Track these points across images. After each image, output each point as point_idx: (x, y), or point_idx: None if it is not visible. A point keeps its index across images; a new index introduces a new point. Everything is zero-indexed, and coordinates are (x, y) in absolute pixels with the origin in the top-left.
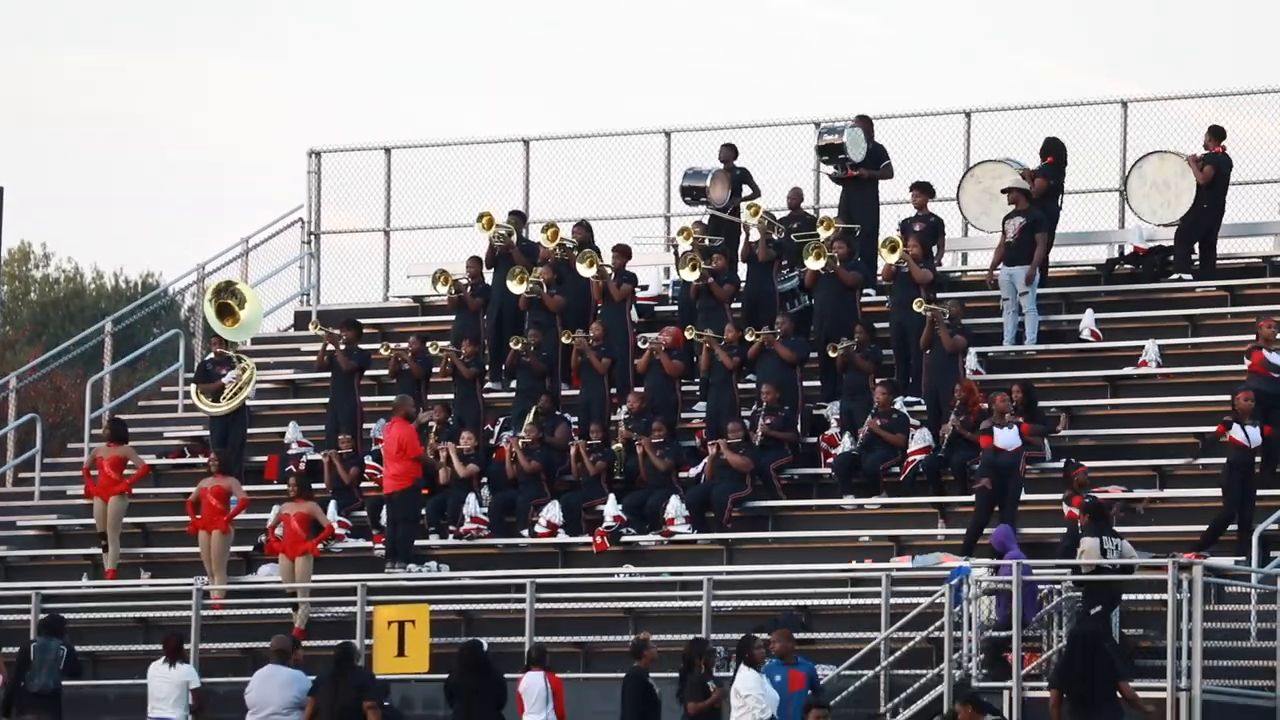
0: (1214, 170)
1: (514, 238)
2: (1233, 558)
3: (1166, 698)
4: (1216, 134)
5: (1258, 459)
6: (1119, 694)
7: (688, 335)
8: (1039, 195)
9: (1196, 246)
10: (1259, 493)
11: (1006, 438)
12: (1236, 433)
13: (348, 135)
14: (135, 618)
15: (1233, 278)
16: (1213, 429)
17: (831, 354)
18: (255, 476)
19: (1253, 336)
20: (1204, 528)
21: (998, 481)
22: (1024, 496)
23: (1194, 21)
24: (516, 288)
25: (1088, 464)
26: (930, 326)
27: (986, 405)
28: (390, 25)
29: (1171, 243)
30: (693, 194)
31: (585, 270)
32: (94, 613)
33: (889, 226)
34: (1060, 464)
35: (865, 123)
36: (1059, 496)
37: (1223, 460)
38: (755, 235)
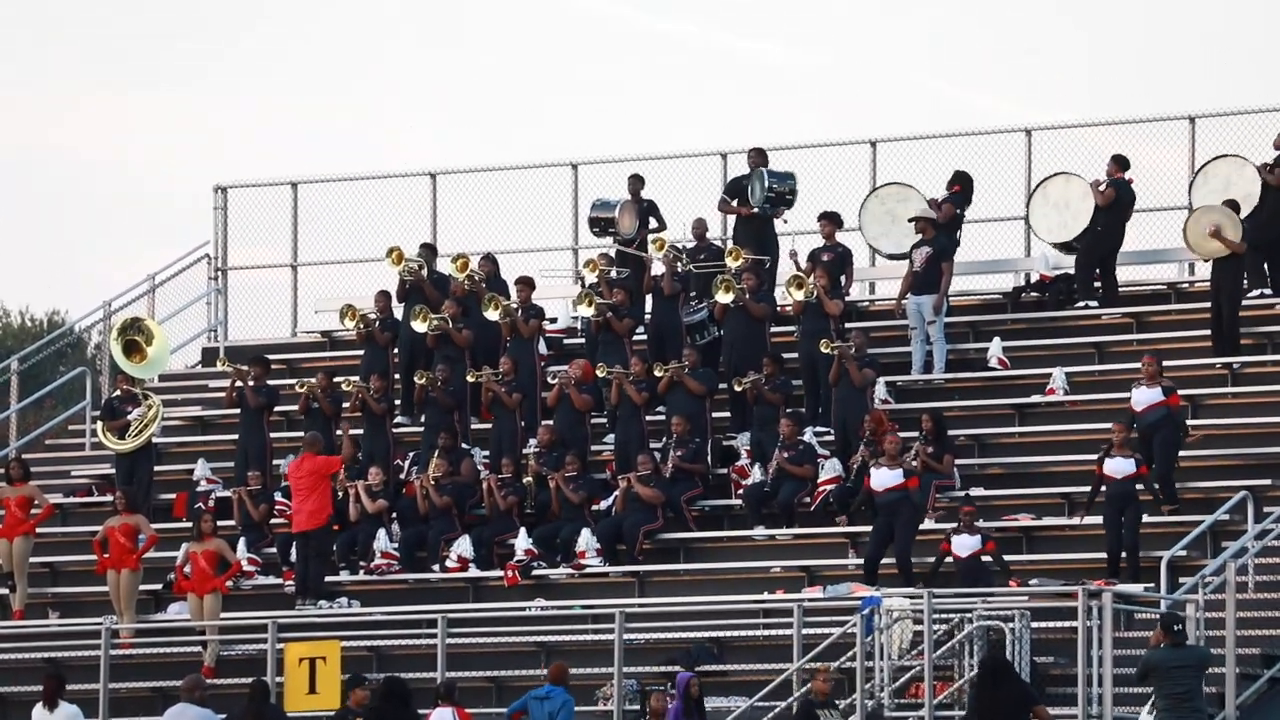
0: (1114, 194)
1: (425, 271)
2: (1141, 585)
3: None
4: (1120, 163)
5: (1139, 486)
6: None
7: (599, 373)
8: (946, 221)
9: (1099, 272)
10: (1165, 520)
11: (881, 478)
12: (1108, 466)
13: (253, 170)
14: (44, 658)
15: (1138, 304)
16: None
17: (738, 388)
18: (164, 514)
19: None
20: None
21: (883, 520)
22: (934, 525)
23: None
24: (420, 326)
25: (996, 491)
26: (838, 363)
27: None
28: (294, 61)
29: (1075, 270)
30: (600, 225)
31: (491, 314)
32: (2, 654)
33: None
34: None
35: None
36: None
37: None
38: (661, 269)
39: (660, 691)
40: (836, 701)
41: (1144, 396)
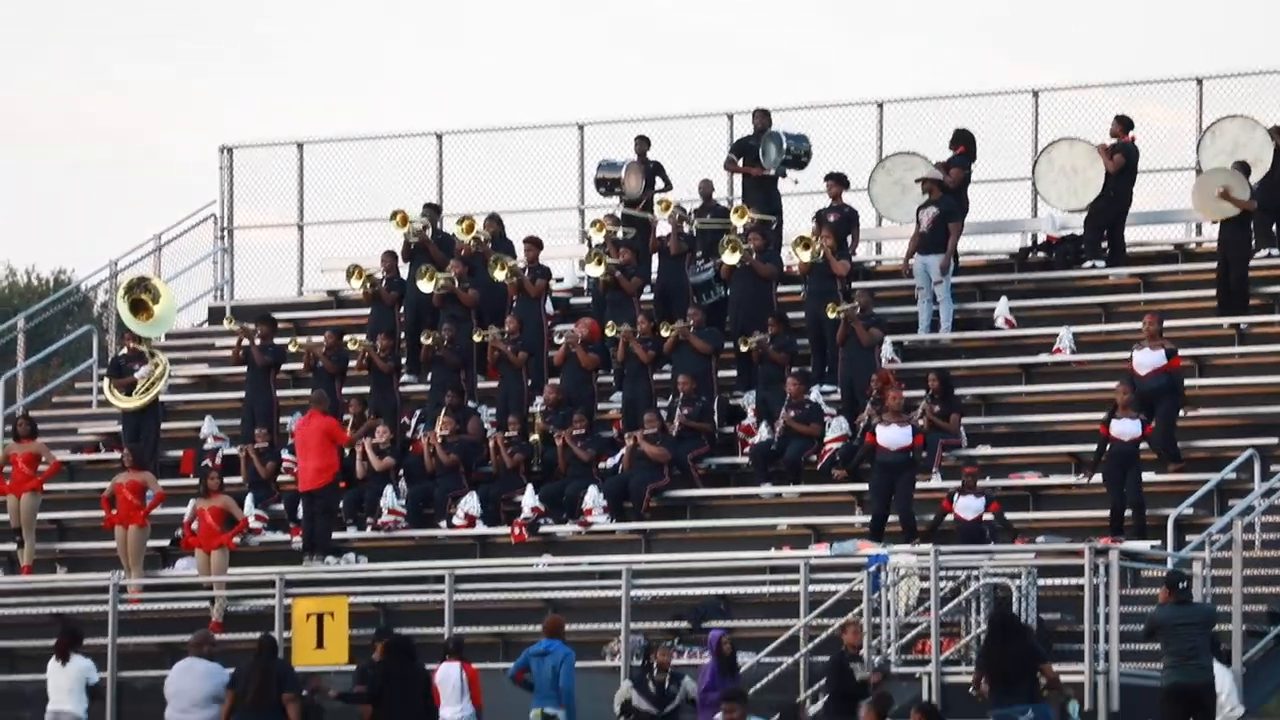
0: (1123, 159)
1: (429, 231)
2: (1148, 542)
3: (1084, 681)
4: (1124, 123)
5: (1143, 446)
6: (1042, 676)
7: (607, 332)
8: (955, 185)
9: (1106, 233)
10: (1171, 479)
11: (889, 436)
12: (1113, 427)
13: (259, 131)
14: (52, 613)
15: (1145, 264)
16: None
17: (744, 348)
18: (171, 471)
19: (1166, 324)
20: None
21: (885, 478)
22: (940, 484)
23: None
24: (426, 286)
25: (1003, 450)
26: (845, 323)
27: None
28: (303, 20)
29: (1084, 231)
30: (606, 185)
31: (498, 275)
32: (10, 608)
33: (801, 220)
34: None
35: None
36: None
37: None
38: (666, 229)
39: (667, 646)
40: (863, 655)
41: (1146, 359)
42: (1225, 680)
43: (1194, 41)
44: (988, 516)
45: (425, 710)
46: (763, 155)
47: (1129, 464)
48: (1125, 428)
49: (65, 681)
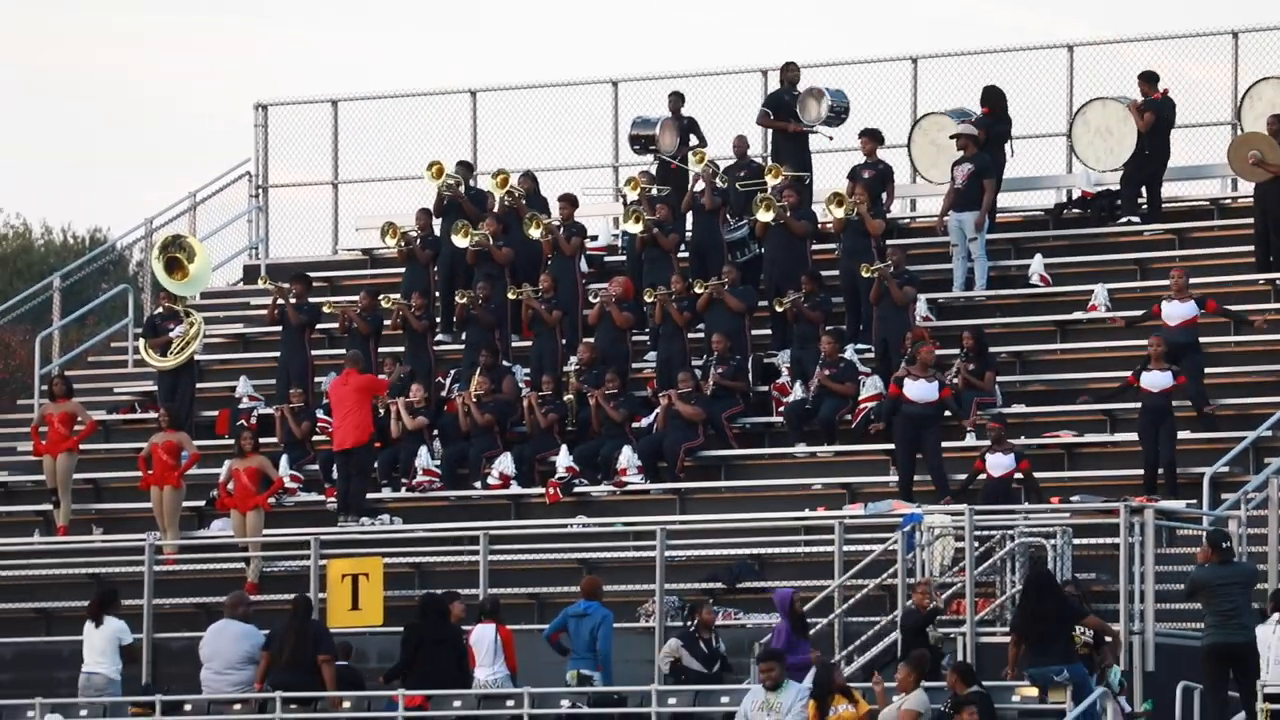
0: (1154, 117)
1: (461, 187)
2: (1184, 501)
3: (1120, 641)
4: (1150, 79)
5: (1173, 402)
6: (1088, 629)
7: (647, 298)
8: (986, 141)
9: (1144, 190)
10: (1206, 436)
11: (917, 390)
12: (1144, 378)
13: (294, 88)
14: (88, 574)
15: (1180, 221)
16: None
17: (778, 308)
18: (206, 431)
19: (1201, 280)
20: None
21: (910, 431)
22: (975, 442)
23: None
24: (461, 241)
25: (1038, 409)
26: (879, 282)
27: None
28: None
29: (1118, 187)
30: (641, 142)
31: (533, 232)
32: (46, 569)
33: (834, 176)
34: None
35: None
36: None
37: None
38: (700, 184)
39: (708, 606)
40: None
41: (1178, 311)
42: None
43: None
44: (1019, 476)
45: (459, 672)
46: (802, 110)
47: (1161, 419)
48: (1156, 379)
49: (99, 643)
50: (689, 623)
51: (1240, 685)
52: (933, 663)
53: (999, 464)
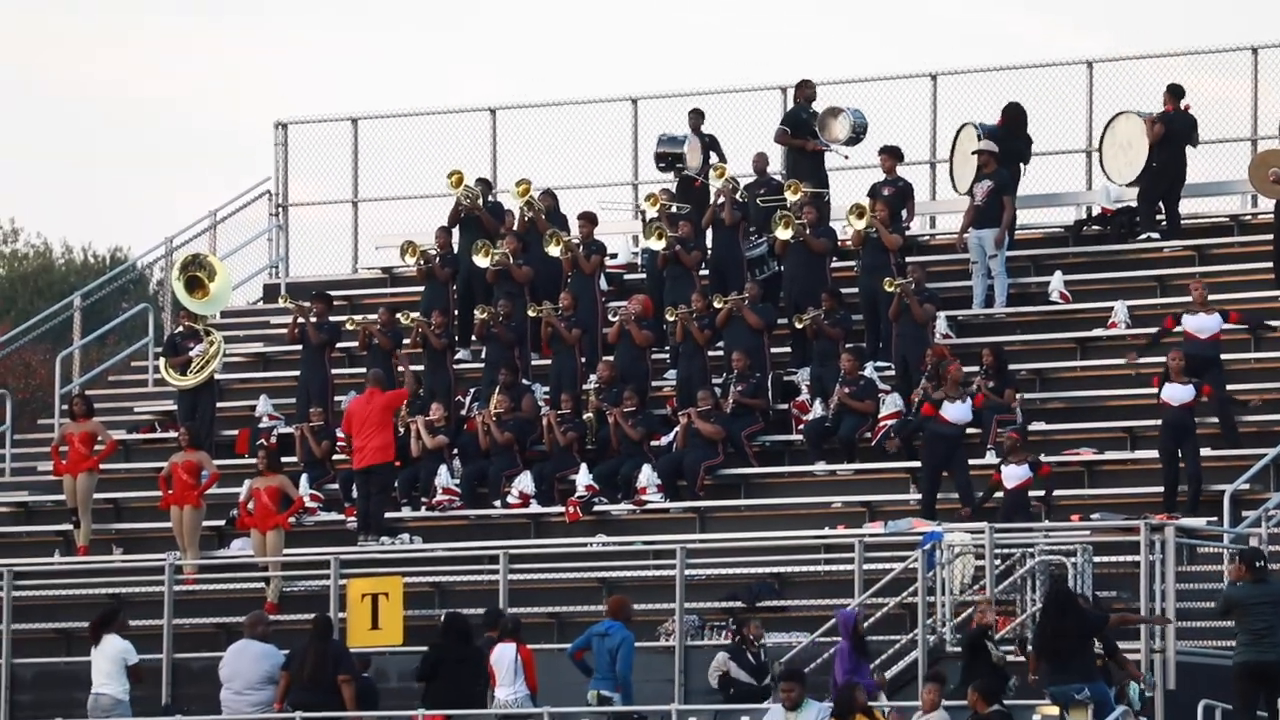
0: (1163, 129)
1: (480, 201)
2: (1204, 518)
3: (1140, 658)
4: (1175, 93)
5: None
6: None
7: (668, 316)
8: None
9: (1162, 206)
10: (1227, 454)
11: (954, 411)
12: (1165, 391)
13: (314, 106)
14: (108, 594)
15: (1200, 237)
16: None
17: (798, 325)
18: (226, 451)
19: (1220, 297)
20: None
21: (942, 451)
22: (994, 460)
23: None
24: (482, 261)
25: (1058, 426)
26: (899, 299)
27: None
28: None
29: (1137, 203)
30: (667, 160)
31: (553, 250)
32: (66, 589)
33: (853, 194)
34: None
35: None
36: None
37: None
38: (721, 200)
39: (756, 624)
40: (992, 633)
41: (1206, 324)
42: None
43: (1249, 11)
44: (1037, 490)
45: (477, 692)
46: (821, 129)
47: (1183, 435)
48: (1177, 392)
49: (104, 664)
50: (736, 637)
51: (1270, 704)
52: (996, 683)
53: (1013, 475)
